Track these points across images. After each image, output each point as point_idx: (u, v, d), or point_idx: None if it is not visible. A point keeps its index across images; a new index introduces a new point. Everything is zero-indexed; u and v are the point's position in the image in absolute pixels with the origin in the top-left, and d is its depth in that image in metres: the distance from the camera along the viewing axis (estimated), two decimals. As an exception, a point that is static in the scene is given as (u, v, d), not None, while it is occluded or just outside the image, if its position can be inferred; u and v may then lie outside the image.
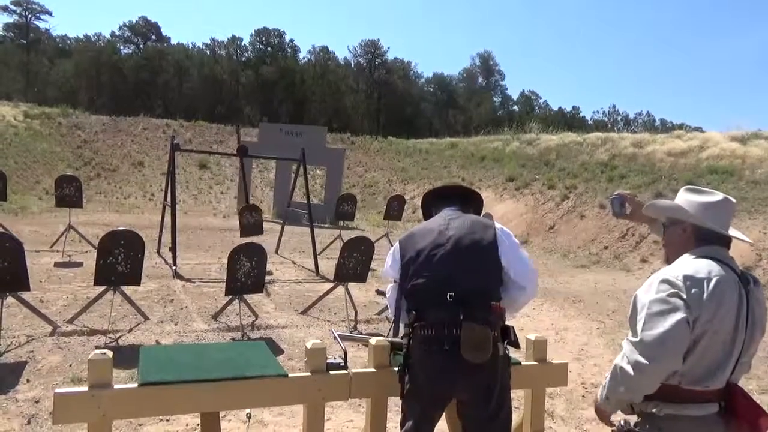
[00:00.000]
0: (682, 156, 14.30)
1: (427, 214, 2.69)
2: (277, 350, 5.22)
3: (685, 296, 1.70)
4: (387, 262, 2.54)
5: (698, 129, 24.49)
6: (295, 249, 11.29)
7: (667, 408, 1.75)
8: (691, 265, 1.80)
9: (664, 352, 1.66)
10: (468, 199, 2.66)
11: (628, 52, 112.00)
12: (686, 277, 1.73)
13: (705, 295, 1.71)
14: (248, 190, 11.63)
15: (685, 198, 1.96)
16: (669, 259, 1.97)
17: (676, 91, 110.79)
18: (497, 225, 2.45)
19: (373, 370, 2.53)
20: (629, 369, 1.70)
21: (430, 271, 2.30)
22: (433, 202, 2.67)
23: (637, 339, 1.71)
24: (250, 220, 9.60)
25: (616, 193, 2.47)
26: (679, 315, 1.67)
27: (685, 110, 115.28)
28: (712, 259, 1.82)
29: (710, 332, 1.72)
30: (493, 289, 2.32)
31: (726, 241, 1.90)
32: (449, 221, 2.42)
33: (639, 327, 1.72)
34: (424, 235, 2.40)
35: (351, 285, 6.51)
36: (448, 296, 2.22)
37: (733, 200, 1.98)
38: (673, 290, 1.71)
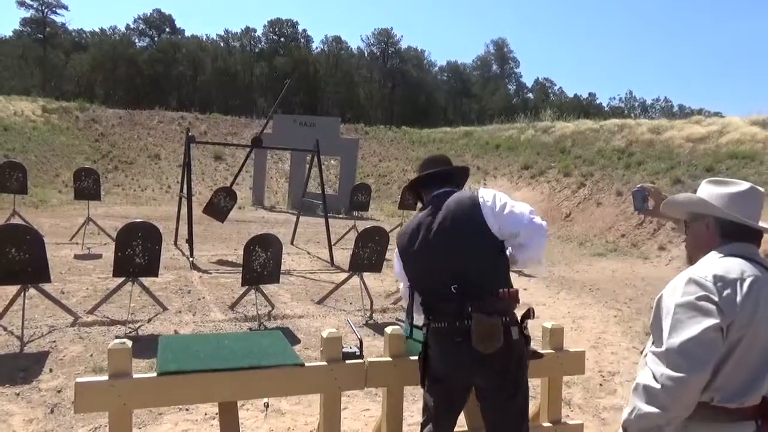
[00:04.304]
0: (701, 141, 14.06)
1: (417, 196, 2.57)
2: (294, 340, 5.26)
3: (716, 299, 1.50)
4: (395, 264, 2.54)
5: (718, 114, 24.04)
6: (310, 239, 11.34)
7: (697, 427, 1.55)
8: (719, 264, 1.60)
9: (695, 361, 1.46)
10: (453, 176, 2.49)
11: (645, 36, 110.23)
12: (716, 278, 1.54)
13: (739, 297, 1.52)
14: (236, 178, 11.50)
15: (706, 190, 1.77)
16: (692, 259, 1.78)
17: (694, 76, 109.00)
18: (479, 193, 2.27)
19: (389, 359, 2.54)
20: (654, 384, 1.49)
21: (428, 267, 2.30)
22: (419, 187, 2.51)
23: (663, 349, 1.51)
24: (221, 203, 9.51)
25: (638, 186, 2.27)
26: (710, 320, 1.48)
27: (705, 95, 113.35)
28: (742, 257, 1.63)
29: (747, 338, 1.53)
30: (495, 273, 2.24)
31: (755, 236, 1.69)
32: (435, 210, 2.31)
33: (665, 333, 1.53)
34: (415, 232, 2.33)
35: (366, 275, 6.53)
36: (452, 289, 2.21)
37: (761, 189, 1.77)
38: (702, 292, 1.52)
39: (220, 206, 9.51)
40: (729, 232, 1.68)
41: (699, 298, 1.51)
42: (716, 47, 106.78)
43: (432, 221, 2.30)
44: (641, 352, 1.76)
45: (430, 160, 2.54)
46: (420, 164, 2.56)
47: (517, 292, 2.26)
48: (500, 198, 2.27)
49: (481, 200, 2.25)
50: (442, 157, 2.56)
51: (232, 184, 10.89)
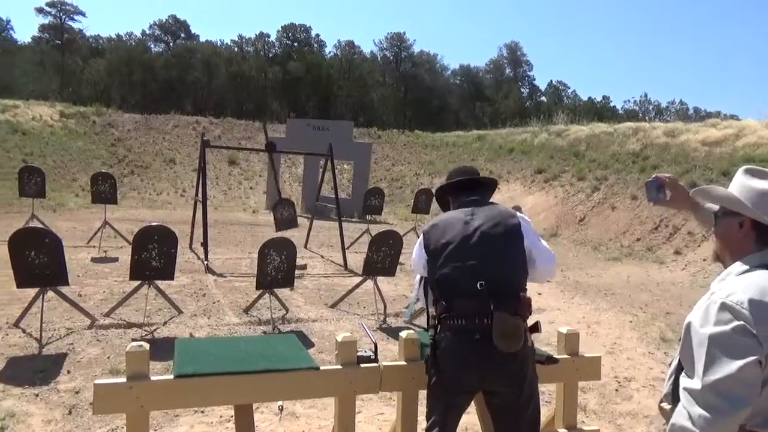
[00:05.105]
0: (717, 145, 13.91)
1: (444, 204, 2.67)
2: (308, 343, 5.27)
3: (754, 330, 1.34)
4: (414, 254, 2.53)
5: (734, 117, 23.79)
6: (323, 243, 11.37)
7: None
8: (754, 283, 1.42)
9: (733, 402, 1.33)
10: (484, 186, 2.62)
11: (660, 39, 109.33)
12: (753, 304, 1.36)
13: None
14: (278, 186, 11.74)
15: (743, 183, 1.56)
16: (720, 258, 1.63)
17: (710, 79, 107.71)
18: (519, 214, 2.45)
19: (404, 363, 2.54)
20: (691, 427, 1.37)
21: (459, 261, 2.28)
22: (449, 192, 2.63)
23: (698, 387, 1.38)
24: (284, 214, 9.75)
25: (653, 176, 2.14)
26: (749, 357, 1.33)
27: (720, 98, 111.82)
28: None
29: None
30: (521, 279, 2.33)
31: None
32: (473, 211, 2.40)
33: (699, 369, 1.39)
34: (450, 226, 2.38)
35: (380, 279, 6.53)
36: (478, 285, 2.21)
37: None
38: (738, 323, 1.36)
39: (284, 218, 9.73)
40: (766, 237, 1.51)
41: (735, 330, 1.35)
42: (732, 49, 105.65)
43: (471, 220, 2.36)
44: (669, 364, 1.68)
45: (462, 169, 2.66)
46: (450, 173, 2.67)
47: (530, 300, 2.29)
48: (535, 229, 2.51)
49: (519, 216, 2.43)
50: (472, 168, 2.69)
51: (280, 194, 11.19)
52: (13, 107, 19.40)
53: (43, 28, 54.46)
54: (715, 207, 1.71)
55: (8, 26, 56.66)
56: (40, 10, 53.44)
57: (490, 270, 2.24)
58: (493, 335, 2.14)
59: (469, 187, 2.54)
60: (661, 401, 1.71)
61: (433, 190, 14.08)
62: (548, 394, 3.83)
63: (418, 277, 2.55)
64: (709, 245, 9.89)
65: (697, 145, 14.29)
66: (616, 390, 4.61)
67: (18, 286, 5.05)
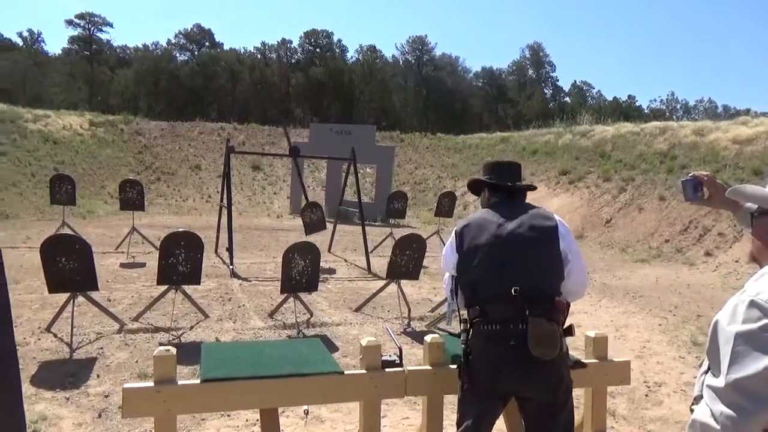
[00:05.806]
0: (749, 143, 13.57)
1: (478, 192, 2.60)
2: (332, 347, 5.28)
3: None
4: (445, 252, 2.48)
5: (765, 114, 23.16)
6: (347, 247, 11.40)
7: None
8: None
9: (757, 401, 1.30)
10: (519, 190, 2.54)
11: (687, 35, 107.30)
12: None
13: None
14: (305, 190, 11.86)
15: None
16: (756, 258, 1.61)
17: (739, 75, 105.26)
18: (556, 217, 2.37)
19: (429, 367, 2.52)
20: (713, 424, 1.34)
21: (492, 265, 2.24)
22: (484, 185, 2.55)
23: (721, 384, 1.35)
24: (312, 217, 9.83)
25: (690, 175, 2.06)
26: None
27: (750, 95, 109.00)
28: None
29: None
30: (556, 284, 2.27)
31: None
32: (508, 213, 2.34)
33: (723, 367, 1.36)
34: (483, 227, 2.32)
35: (403, 282, 6.52)
36: (512, 291, 2.16)
37: None
38: (766, 320, 1.34)
39: (313, 221, 9.88)
40: None
41: (763, 328, 1.32)
42: (762, 44, 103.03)
43: (505, 222, 2.31)
44: (699, 366, 1.63)
45: (504, 166, 2.56)
46: (489, 165, 2.56)
47: (568, 305, 2.25)
48: (572, 235, 2.42)
49: (557, 220, 2.35)
50: (513, 165, 2.58)
51: (306, 198, 11.33)
52: (45, 117, 19.89)
53: (72, 39, 55.96)
54: (754, 206, 1.66)
55: (39, 39, 58.31)
56: (69, 23, 54.96)
57: (524, 275, 2.19)
58: (528, 342, 2.09)
59: (506, 188, 2.47)
60: (693, 404, 1.67)
61: (457, 193, 13.90)
62: (576, 399, 3.76)
63: (447, 275, 2.49)
64: (741, 246, 9.65)
65: (727, 144, 13.96)
66: (646, 395, 4.51)
67: (50, 292, 5.17)
